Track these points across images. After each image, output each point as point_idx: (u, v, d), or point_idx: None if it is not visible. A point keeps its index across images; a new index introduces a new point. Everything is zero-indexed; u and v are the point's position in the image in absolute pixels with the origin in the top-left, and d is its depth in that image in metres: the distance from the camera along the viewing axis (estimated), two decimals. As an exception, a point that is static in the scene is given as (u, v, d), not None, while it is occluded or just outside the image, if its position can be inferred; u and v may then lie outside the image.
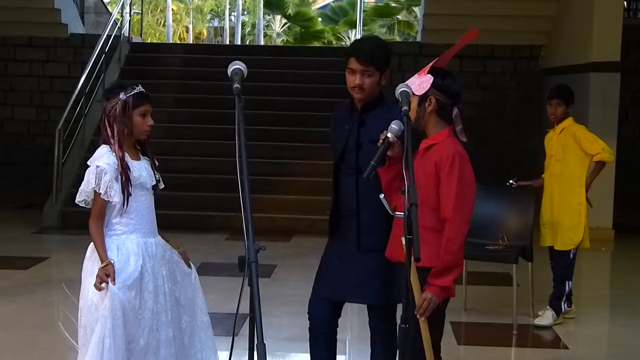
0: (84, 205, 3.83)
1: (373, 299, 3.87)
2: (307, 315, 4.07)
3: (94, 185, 3.74)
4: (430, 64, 3.61)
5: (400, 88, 3.40)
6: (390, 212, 3.40)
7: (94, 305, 3.73)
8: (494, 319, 6.41)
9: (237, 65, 3.05)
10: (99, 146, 3.84)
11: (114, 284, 3.65)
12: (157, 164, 3.97)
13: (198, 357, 3.99)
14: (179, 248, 4.03)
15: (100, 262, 3.71)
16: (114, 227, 3.82)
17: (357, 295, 3.91)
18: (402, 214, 3.08)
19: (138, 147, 3.92)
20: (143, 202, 3.85)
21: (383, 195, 3.40)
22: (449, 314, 3.83)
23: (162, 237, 4.00)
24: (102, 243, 3.74)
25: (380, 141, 3.47)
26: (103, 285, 3.65)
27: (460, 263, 3.54)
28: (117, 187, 3.75)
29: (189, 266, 4.03)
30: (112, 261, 3.70)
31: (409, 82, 3.56)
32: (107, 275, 3.65)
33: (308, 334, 3.99)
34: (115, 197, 3.74)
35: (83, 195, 3.79)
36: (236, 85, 2.97)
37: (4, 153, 13.42)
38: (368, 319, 4.02)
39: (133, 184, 3.79)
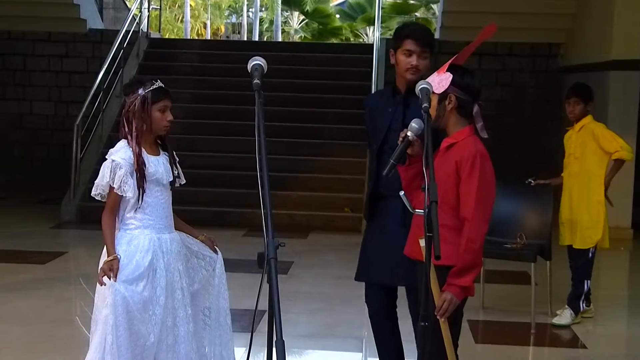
0: (99, 199, 3.83)
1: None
2: (365, 303, 4.19)
3: (108, 179, 3.74)
4: (449, 61, 3.59)
5: (421, 85, 3.38)
6: (411, 210, 3.39)
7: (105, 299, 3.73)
8: (512, 317, 6.37)
9: (257, 60, 3.03)
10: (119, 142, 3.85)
11: (115, 281, 3.66)
12: (177, 159, 3.97)
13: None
14: (203, 235, 4.03)
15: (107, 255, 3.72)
16: (128, 221, 3.82)
17: (404, 276, 3.89)
18: (422, 211, 3.06)
19: (159, 142, 3.92)
20: (158, 198, 3.84)
21: (403, 192, 3.39)
22: (467, 313, 3.82)
23: (183, 229, 4.00)
24: (111, 236, 3.75)
25: (400, 139, 3.47)
26: (105, 279, 3.66)
27: (479, 263, 3.52)
28: (131, 182, 3.74)
29: (215, 251, 4.02)
30: (118, 256, 3.71)
31: (428, 80, 3.54)
32: (111, 270, 3.66)
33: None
34: (129, 192, 3.74)
35: (99, 189, 3.80)
36: (256, 81, 2.96)
37: (22, 148, 13.48)
38: (408, 304, 4.00)
39: (148, 180, 3.78)
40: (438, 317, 3.38)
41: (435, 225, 2.96)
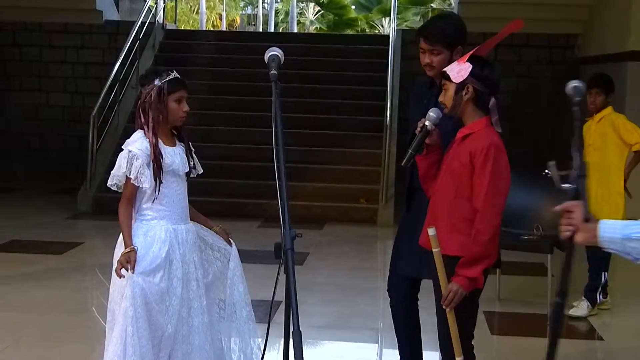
0: (115, 189, 3.83)
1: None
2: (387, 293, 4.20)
3: (125, 170, 3.74)
4: (471, 52, 3.56)
5: None
6: (557, 185, 3.08)
7: (122, 291, 3.74)
8: (528, 309, 6.36)
9: (274, 51, 3.02)
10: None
11: (133, 272, 3.65)
12: (193, 149, 3.97)
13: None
14: (218, 227, 4.01)
15: (124, 247, 3.72)
16: (144, 212, 3.82)
17: (429, 269, 3.89)
18: (570, 185, 2.88)
19: (175, 132, 3.91)
20: (174, 189, 3.84)
21: (554, 162, 3.12)
22: (483, 304, 3.80)
23: (198, 219, 3.99)
24: (128, 228, 3.74)
25: (418, 129, 3.46)
26: (123, 271, 3.66)
27: (489, 254, 3.48)
28: (148, 173, 3.73)
29: (230, 243, 4.00)
30: (135, 248, 3.71)
31: (448, 69, 3.52)
32: (128, 262, 3.65)
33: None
34: (146, 183, 3.74)
35: (115, 179, 3.79)
36: (273, 71, 2.95)
37: (38, 139, 13.53)
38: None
39: (165, 171, 3.77)
40: (444, 307, 3.38)
41: (584, 199, 2.78)
